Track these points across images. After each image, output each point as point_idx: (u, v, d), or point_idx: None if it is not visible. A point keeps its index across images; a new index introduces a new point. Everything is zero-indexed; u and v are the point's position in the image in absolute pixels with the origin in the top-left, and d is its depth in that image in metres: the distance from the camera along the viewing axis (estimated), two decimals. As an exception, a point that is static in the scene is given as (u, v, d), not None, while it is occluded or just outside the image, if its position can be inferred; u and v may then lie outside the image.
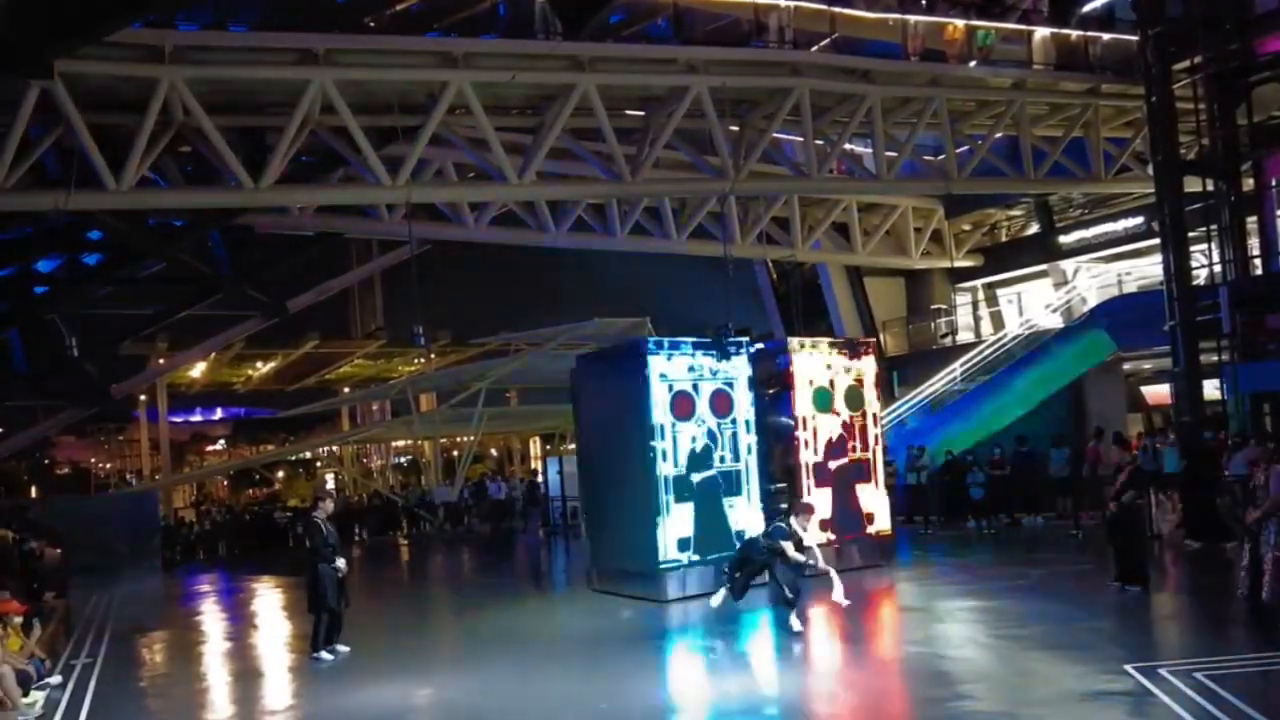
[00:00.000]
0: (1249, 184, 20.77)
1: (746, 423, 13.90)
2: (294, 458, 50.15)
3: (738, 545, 12.44)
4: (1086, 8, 24.28)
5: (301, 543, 15.08)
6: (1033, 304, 30.74)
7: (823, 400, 15.04)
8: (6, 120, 14.37)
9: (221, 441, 56.34)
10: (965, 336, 31.04)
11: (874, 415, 15.67)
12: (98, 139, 14.98)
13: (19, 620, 10.98)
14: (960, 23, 21.03)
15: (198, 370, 37.19)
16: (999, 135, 22.51)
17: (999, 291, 32.58)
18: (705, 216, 25.99)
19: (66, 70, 14.11)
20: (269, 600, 18.10)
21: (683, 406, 13.43)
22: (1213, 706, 7.08)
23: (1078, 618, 10.68)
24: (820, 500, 14.32)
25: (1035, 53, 21.88)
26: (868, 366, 15.67)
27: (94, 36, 13.70)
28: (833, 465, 15.01)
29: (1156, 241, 21.89)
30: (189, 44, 15.21)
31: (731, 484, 13.67)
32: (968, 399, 25.85)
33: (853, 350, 15.68)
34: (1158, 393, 28.32)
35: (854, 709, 8.05)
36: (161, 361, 29.72)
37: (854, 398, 15.37)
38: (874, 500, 15.47)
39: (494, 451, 49.90)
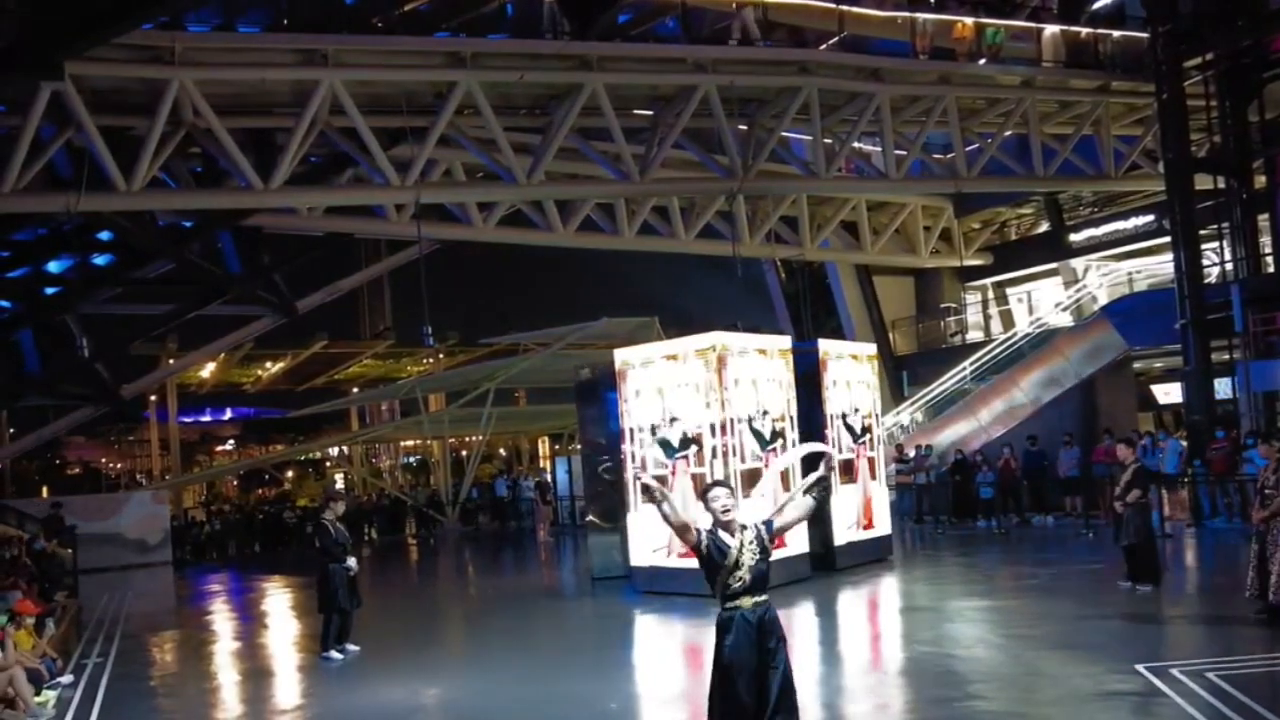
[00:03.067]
0: (1261, 181, 20.68)
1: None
2: (303, 457, 50.29)
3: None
4: (1096, 5, 24.20)
5: (311, 542, 15.16)
6: (1043, 302, 30.65)
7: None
8: (18, 122, 14.44)
9: (231, 441, 56.53)
10: (975, 335, 30.97)
11: (875, 416, 16.06)
12: (108, 141, 15.04)
13: (31, 620, 11.03)
14: (969, 20, 20.96)
15: (207, 370, 37.35)
16: (1008, 133, 22.45)
17: (1009, 290, 32.50)
18: (713, 216, 25.97)
19: (77, 72, 14.17)
20: (279, 600, 18.15)
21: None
22: (1225, 707, 7.04)
23: (1088, 617, 10.63)
24: (849, 497, 14.84)
25: (1045, 50, 21.80)
26: (869, 369, 16.26)
27: (105, 38, 13.76)
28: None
29: (1167, 239, 21.80)
30: (198, 45, 15.25)
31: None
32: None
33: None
34: (1159, 390, 28.32)
35: (864, 709, 8.02)
36: (171, 362, 29.82)
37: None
38: (877, 498, 15.77)
39: (502, 451, 49.96)
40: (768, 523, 5.39)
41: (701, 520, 5.43)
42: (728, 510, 5.29)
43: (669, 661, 10.51)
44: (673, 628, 11.80)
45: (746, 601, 5.25)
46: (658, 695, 8.94)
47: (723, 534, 5.28)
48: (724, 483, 5.75)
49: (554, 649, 11.30)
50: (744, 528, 5.31)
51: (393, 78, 16.89)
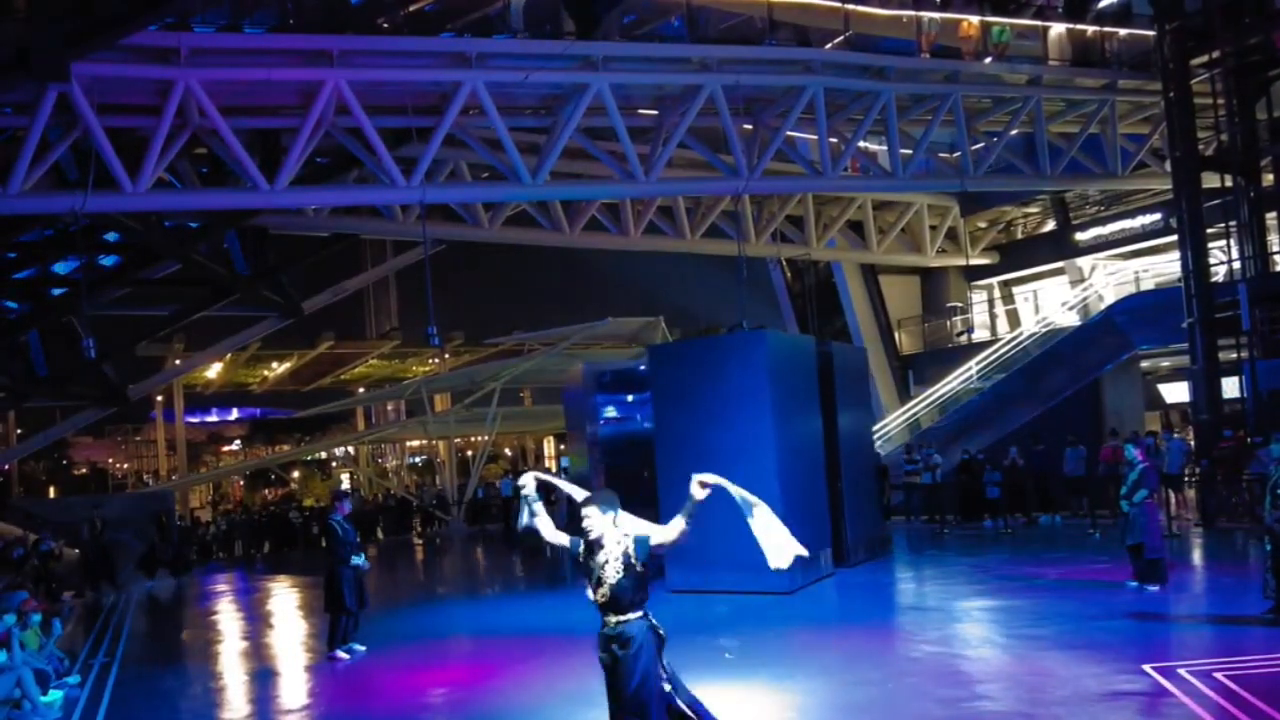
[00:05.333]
0: (1268, 179, 20.61)
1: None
2: (310, 458, 50.41)
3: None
4: (1103, 3, 24.13)
5: (318, 542, 15.20)
6: (1049, 302, 30.59)
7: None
8: (25, 123, 14.47)
9: (238, 442, 56.67)
10: (981, 335, 30.94)
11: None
12: (114, 142, 15.05)
13: (38, 619, 11.06)
14: (975, 19, 20.91)
15: (214, 371, 37.44)
16: (1015, 132, 22.39)
17: (1015, 289, 32.45)
18: (719, 215, 25.96)
19: (83, 73, 14.18)
20: (285, 600, 18.18)
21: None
22: (1234, 707, 7.02)
23: (1095, 617, 10.60)
24: None
25: (1051, 49, 21.74)
26: None
27: (111, 40, 13.77)
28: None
29: (1174, 238, 21.73)
30: (204, 46, 15.28)
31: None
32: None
33: None
34: (1166, 389, 28.24)
35: (871, 709, 8.01)
36: (178, 362, 29.90)
37: None
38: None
39: (508, 451, 50.03)
40: (641, 540, 5.41)
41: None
42: (589, 530, 5.42)
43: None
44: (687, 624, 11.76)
45: (610, 619, 5.39)
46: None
47: (593, 550, 5.42)
48: (594, 499, 5.58)
49: (560, 648, 11.29)
50: (606, 544, 5.39)
51: (398, 78, 16.90)
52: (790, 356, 14.46)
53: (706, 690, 8.98)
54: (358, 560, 11.26)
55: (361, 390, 42.37)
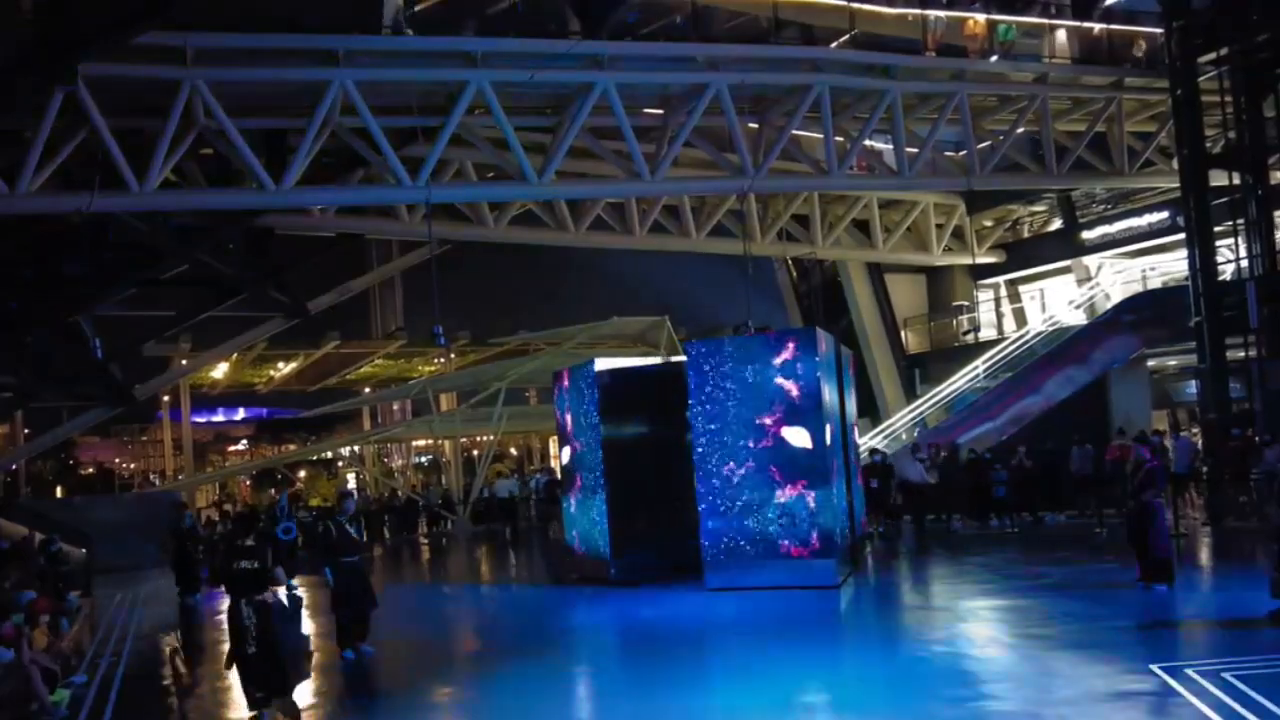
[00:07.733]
0: (1276, 177, 20.54)
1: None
2: (316, 457, 50.41)
3: None
4: (1109, 0, 24.07)
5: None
6: (1056, 300, 30.52)
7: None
8: (32, 124, 14.52)
9: (244, 441, 56.71)
10: (988, 333, 30.88)
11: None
12: (121, 142, 15.09)
13: (46, 619, 11.10)
14: (981, 17, 20.87)
15: (220, 371, 37.45)
16: (1021, 130, 22.34)
17: (1021, 288, 32.38)
18: (725, 214, 25.94)
19: (89, 74, 14.22)
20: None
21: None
22: (1241, 707, 6.99)
23: (1102, 617, 10.57)
24: None
25: (1057, 47, 21.70)
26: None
27: (117, 42, 13.81)
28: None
29: (1182, 236, 21.67)
30: (210, 47, 15.31)
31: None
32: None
33: None
34: (1174, 387, 28.21)
35: (877, 709, 7.99)
36: (184, 362, 29.92)
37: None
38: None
39: (514, 450, 50.02)
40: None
41: None
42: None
43: (689, 660, 10.45)
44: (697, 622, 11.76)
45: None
46: (672, 696, 8.90)
47: None
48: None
49: (563, 648, 11.29)
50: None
51: (404, 78, 16.93)
52: (831, 355, 14.65)
53: (712, 689, 8.99)
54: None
55: (367, 390, 42.38)
